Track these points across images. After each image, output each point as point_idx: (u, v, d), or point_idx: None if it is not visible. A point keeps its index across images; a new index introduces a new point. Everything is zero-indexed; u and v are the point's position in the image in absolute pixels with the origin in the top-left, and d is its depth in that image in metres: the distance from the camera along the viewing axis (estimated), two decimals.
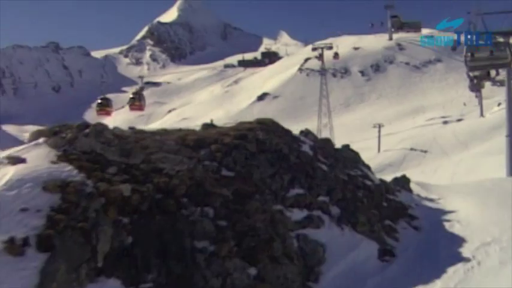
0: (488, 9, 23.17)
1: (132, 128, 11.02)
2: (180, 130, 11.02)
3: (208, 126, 11.61)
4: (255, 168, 10.29)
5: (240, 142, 10.38)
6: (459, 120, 77.28)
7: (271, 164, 10.59)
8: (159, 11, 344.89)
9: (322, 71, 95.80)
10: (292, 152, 11.24)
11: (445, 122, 77.95)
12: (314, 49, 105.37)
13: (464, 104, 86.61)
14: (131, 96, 40.90)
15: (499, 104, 69.28)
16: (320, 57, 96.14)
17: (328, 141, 13.46)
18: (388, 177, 53.37)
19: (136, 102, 39.79)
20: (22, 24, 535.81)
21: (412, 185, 15.73)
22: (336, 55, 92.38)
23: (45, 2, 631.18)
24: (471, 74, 24.71)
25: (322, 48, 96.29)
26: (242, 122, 11.88)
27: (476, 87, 46.93)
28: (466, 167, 42.94)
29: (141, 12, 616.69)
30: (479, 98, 69.41)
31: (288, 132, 12.04)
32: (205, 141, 10.18)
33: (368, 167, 14.12)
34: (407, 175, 51.54)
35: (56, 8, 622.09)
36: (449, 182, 39.45)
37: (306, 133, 13.23)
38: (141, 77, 75.67)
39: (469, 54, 21.64)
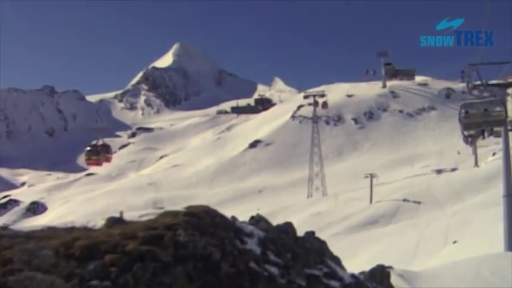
0: (483, 59, 21.90)
1: (4, 228, 8.37)
2: (72, 229, 8.34)
3: (115, 222, 8.97)
4: (165, 287, 7.62)
5: (148, 249, 7.63)
6: (453, 169, 75.70)
7: (190, 278, 7.90)
8: (154, 56, 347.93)
9: (315, 119, 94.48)
10: (226, 256, 8.50)
11: (439, 172, 76.32)
12: (306, 97, 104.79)
13: (458, 153, 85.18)
14: (88, 148, 39.39)
15: (494, 154, 67.87)
16: (313, 104, 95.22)
17: (287, 228, 10.69)
18: (381, 230, 51.12)
19: (93, 156, 37.92)
20: (17, 67, 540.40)
21: (393, 278, 13.17)
22: (324, 104, 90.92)
23: (41, 46, 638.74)
24: (466, 132, 23.82)
25: (314, 96, 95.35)
26: (166, 213, 9.17)
27: (470, 142, 46.23)
28: (461, 221, 41.10)
29: (137, 58, 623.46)
30: (474, 147, 67.96)
31: (229, 223, 9.32)
32: (99, 248, 7.47)
33: (337, 260, 11.49)
34: (400, 227, 49.30)
35: (52, 52, 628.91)
36: (443, 238, 37.29)
37: (258, 220, 10.49)
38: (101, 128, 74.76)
39: (463, 111, 20.68)
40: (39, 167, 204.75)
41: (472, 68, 21.87)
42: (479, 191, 52.57)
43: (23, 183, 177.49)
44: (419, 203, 57.18)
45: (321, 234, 48.34)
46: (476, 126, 21.97)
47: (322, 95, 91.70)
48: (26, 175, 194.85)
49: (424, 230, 43.69)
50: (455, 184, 59.63)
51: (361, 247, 44.56)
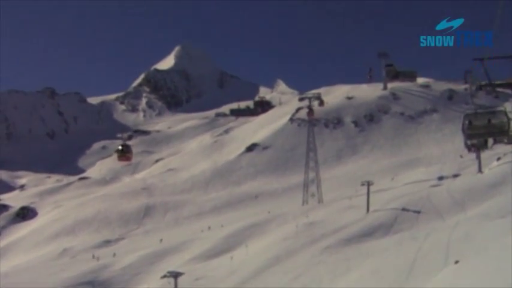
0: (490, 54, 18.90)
1: None
2: None
3: None
4: None
5: None
6: (455, 175, 72.25)
7: None
8: (156, 58, 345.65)
9: (311, 122, 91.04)
10: None
11: (440, 178, 72.86)
12: (301, 99, 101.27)
13: (461, 157, 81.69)
14: (119, 148, 44.11)
15: (499, 159, 64.72)
16: (308, 107, 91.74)
17: None
18: (377, 243, 47.64)
19: (126, 153, 43.22)
20: (18, 69, 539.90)
21: None
22: (310, 111, 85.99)
23: (42, 47, 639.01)
24: (469, 142, 22.89)
25: (309, 99, 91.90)
26: None
27: (474, 150, 44.60)
28: (463, 233, 37.52)
29: (138, 60, 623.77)
30: (477, 152, 64.74)
31: None
32: None
33: None
34: (398, 240, 45.89)
35: (53, 54, 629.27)
36: (443, 254, 33.81)
37: None
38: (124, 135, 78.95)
39: (467, 122, 20.52)
40: (39, 170, 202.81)
41: (478, 64, 18.77)
42: (483, 200, 49.11)
43: (22, 186, 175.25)
44: (419, 212, 53.78)
45: (313, 247, 44.02)
46: (480, 136, 22.06)
47: (319, 97, 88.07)
48: (25, 177, 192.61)
49: (423, 243, 40.26)
50: (457, 192, 56.08)
51: (356, 262, 41.17)
